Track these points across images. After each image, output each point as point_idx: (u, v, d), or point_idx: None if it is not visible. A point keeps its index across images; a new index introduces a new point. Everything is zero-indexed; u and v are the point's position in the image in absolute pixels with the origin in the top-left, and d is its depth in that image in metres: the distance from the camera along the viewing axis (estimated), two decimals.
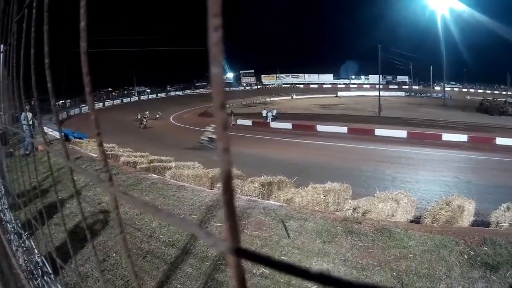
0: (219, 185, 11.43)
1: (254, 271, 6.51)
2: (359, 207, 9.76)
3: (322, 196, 10.50)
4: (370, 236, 7.85)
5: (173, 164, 15.84)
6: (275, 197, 10.71)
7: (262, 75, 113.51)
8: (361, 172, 20.23)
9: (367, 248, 7.54)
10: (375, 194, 10.87)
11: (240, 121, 45.31)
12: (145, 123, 44.00)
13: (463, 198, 10.93)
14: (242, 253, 0.51)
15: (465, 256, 7.22)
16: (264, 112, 47.62)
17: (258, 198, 10.80)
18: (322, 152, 27.39)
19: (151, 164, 15.46)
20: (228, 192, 0.51)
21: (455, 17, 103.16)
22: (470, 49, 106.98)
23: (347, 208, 9.88)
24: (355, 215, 9.42)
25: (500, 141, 36.11)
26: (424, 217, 10.00)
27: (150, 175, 13.08)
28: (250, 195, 11.14)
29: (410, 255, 7.20)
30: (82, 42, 0.86)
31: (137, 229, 8.39)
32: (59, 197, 8.75)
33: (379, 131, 36.76)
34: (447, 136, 35.74)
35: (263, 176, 12.42)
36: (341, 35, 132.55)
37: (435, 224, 9.45)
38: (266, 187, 11.61)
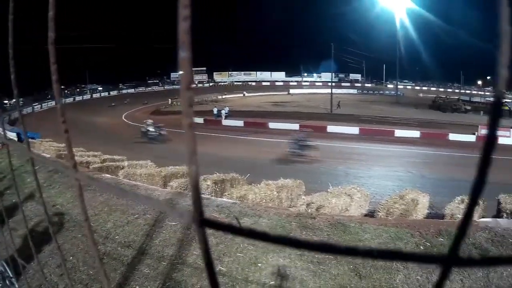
0: (172, 183, 11.43)
1: None
2: (312, 203, 9.94)
3: (275, 193, 10.63)
4: (325, 230, 8.00)
5: (126, 163, 15.70)
6: (228, 194, 10.75)
7: (214, 73, 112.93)
8: (314, 168, 20.62)
9: None
10: (328, 190, 11.12)
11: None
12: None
13: (416, 192, 11.35)
14: (205, 223, 0.56)
15: (421, 247, 7.47)
16: (215, 110, 47.49)
17: (211, 196, 10.84)
18: (274, 149, 27.53)
19: (104, 164, 15.33)
20: (193, 165, 0.56)
21: (408, 16, 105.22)
22: (423, 48, 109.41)
23: (300, 204, 10.05)
24: (309, 210, 9.59)
25: (452, 136, 37.80)
26: (378, 211, 10.24)
27: (103, 175, 12.91)
28: (203, 193, 11.11)
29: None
30: (51, 32, 0.89)
31: (92, 230, 8.30)
32: (13, 200, 8.55)
33: (331, 128, 37.44)
34: (399, 133, 36.83)
35: (216, 173, 12.47)
36: (294, 32, 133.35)
37: (389, 217, 9.73)
38: (219, 185, 11.71)
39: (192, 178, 0.57)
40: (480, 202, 11.10)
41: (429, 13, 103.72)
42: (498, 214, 11.37)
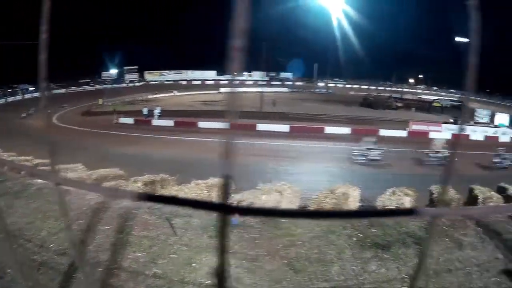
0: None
1: (147, 272, 6.61)
2: (243, 200, 10.15)
3: (205, 192, 10.78)
4: (256, 227, 8.20)
5: (57, 167, 15.27)
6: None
7: (145, 72, 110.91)
8: (244, 166, 20.61)
9: (254, 239, 7.91)
10: (258, 187, 11.25)
11: (123, 119, 44.13)
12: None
13: (347, 186, 11.77)
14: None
15: (354, 239, 7.79)
16: (144, 110, 46.77)
17: None
18: (204, 148, 27.63)
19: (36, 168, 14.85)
20: (227, 165, 0.65)
21: (341, 15, 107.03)
22: (355, 47, 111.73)
23: (231, 202, 10.14)
24: None
25: (383, 132, 39.46)
26: (309, 206, 10.51)
27: (35, 180, 12.60)
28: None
29: (298, 242, 7.61)
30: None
31: (27, 240, 8.10)
32: None
33: (262, 126, 37.89)
34: (330, 129, 37.91)
35: (146, 175, 12.48)
36: (225, 31, 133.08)
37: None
38: (150, 186, 11.73)
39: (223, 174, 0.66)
40: (411, 192, 11.73)
41: (361, 12, 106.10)
42: (431, 203, 12.05)
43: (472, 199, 13.06)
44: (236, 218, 7.84)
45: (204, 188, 10.91)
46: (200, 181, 11.55)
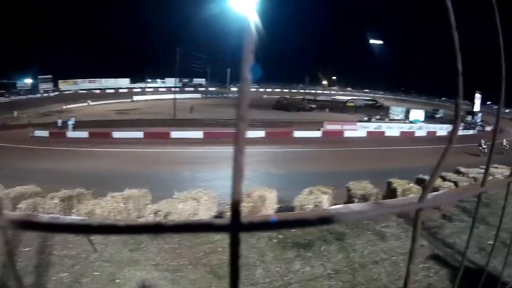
0: (20, 205, 10.83)
1: None
2: (160, 211, 10.04)
3: (122, 204, 10.58)
4: (175, 237, 8.03)
5: None
6: (76, 211, 10.39)
7: (59, 81, 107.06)
8: (160, 175, 20.51)
9: (174, 249, 7.80)
10: (174, 195, 11.12)
11: (38, 132, 42.04)
12: None
13: (263, 189, 11.88)
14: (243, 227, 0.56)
15: (275, 240, 7.79)
16: (59, 122, 45.12)
17: (60, 214, 10.40)
18: (119, 159, 27.10)
19: None
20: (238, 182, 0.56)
21: (254, 19, 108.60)
22: (268, 50, 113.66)
23: (148, 213, 10.06)
24: (157, 219, 9.57)
25: (297, 134, 40.45)
26: (227, 212, 10.41)
27: None
28: (52, 212, 10.77)
29: (219, 249, 7.55)
30: None
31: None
32: None
33: (175, 134, 37.34)
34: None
35: (62, 190, 11.97)
36: (138, 37, 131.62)
37: None
38: (67, 202, 11.28)
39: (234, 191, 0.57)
40: (330, 190, 11.94)
41: (276, 16, 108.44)
42: (349, 199, 12.34)
43: (390, 192, 13.48)
44: None
45: (120, 201, 10.69)
46: (116, 194, 11.30)
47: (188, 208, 10.38)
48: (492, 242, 8.36)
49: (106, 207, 10.39)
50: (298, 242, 7.71)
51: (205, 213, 10.93)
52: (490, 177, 13.13)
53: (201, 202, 10.97)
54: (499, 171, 18.34)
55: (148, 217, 9.78)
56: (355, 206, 10.86)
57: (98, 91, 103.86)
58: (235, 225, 0.51)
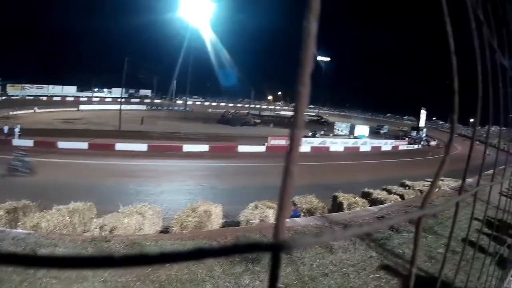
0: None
1: None
2: (105, 225, 9.85)
3: (67, 218, 10.33)
4: (122, 252, 7.87)
5: None
6: (22, 224, 10.07)
7: (8, 85, 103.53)
8: (105, 188, 20.09)
9: None
10: (120, 210, 10.98)
11: None
12: None
13: (208, 203, 11.88)
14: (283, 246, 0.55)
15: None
16: (5, 128, 43.49)
17: (6, 228, 10.05)
18: (64, 170, 26.32)
19: None
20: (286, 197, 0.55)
21: (201, 33, 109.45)
22: (214, 64, 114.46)
23: (94, 228, 9.88)
24: (103, 233, 9.45)
25: (241, 148, 40.71)
26: (173, 226, 10.44)
27: None
28: None
29: (167, 265, 7.40)
30: None
31: None
32: None
33: (120, 146, 36.58)
34: (188, 147, 37.93)
35: (8, 201, 11.54)
36: (86, 45, 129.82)
37: (184, 231, 10.03)
38: (12, 214, 10.91)
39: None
40: (275, 205, 12.04)
41: (221, 31, 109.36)
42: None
43: (337, 206, 13.70)
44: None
45: (66, 214, 10.41)
46: (61, 207, 10.98)
47: (133, 222, 10.24)
48: (441, 251, 8.67)
49: (52, 221, 10.06)
50: (246, 257, 7.71)
51: (150, 228, 10.83)
52: (437, 189, 13.60)
53: (146, 216, 10.84)
54: (445, 183, 18.98)
55: (94, 232, 9.59)
56: (301, 220, 10.97)
57: (45, 98, 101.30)
58: (276, 245, 0.51)
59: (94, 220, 10.49)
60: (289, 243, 0.50)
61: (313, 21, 0.42)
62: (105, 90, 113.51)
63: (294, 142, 0.48)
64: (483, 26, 1.05)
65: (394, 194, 15.63)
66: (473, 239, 8.42)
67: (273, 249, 0.50)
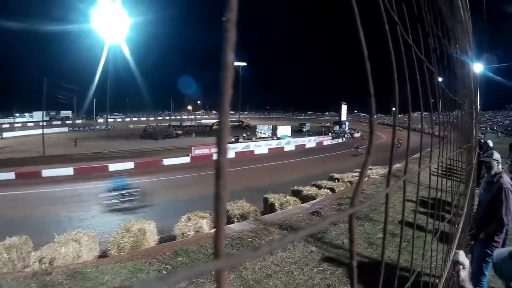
0: None
1: None
2: (44, 257, 9.56)
3: (5, 255, 9.90)
4: (65, 284, 7.73)
5: None
6: None
7: None
8: (37, 219, 19.45)
9: None
10: (55, 239, 10.68)
11: None
12: None
13: (141, 222, 11.76)
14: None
15: (164, 272, 7.70)
16: None
17: None
18: None
19: None
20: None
21: (118, 51, 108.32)
22: (132, 80, 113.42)
23: (33, 262, 9.57)
24: (43, 266, 9.17)
25: (167, 161, 40.85)
26: (110, 249, 10.26)
27: None
28: None
29: None
30: None
31: None
32: None
33: (46, 172, 35.09)
34: (113, 166, 37.24)
35: None
36: (5, 70, 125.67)
37: (122, 253, 9.92)
38: None
39: None
40: (207, 215, 12.10)
41: (137, 45, 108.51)
42: (229, 220, 12.51)
43: (269, 207, 13.86)
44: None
45: (3, 251, 9.93)
46: None
47: (71, 251, 9.95)
48: (380, 236, 8.98)
49: None
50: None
51: (88, 254, 10.54)
52: (366, 179, 13.98)
53: (83, 243, 10.56)
54: (374, 171, 19.61)
55: (34, 266, 9.30)
56: (235, 226, 11.04)
57: None
58: (219, 264, 0.54)
59: (32, 253, 10.15)
60: (231, 260, 0.53)
61: (230, 52, 0.46)
62: (26, 114, 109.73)
63: (220, 171, 0.51)
64: (398, 26, 1.15)
65: (324, 189, 16.01)
66: (410, 220, 8.84)
67: (217, 268, 0.53)
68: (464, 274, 2.86)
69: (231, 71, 0.44)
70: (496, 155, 6.32)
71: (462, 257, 2.91)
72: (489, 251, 5.91)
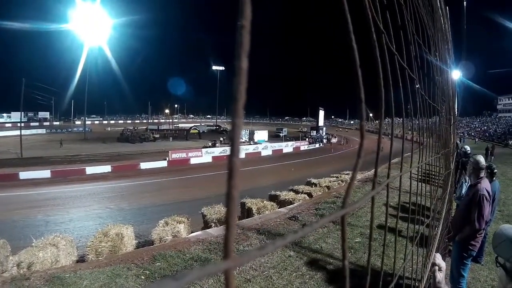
0: None
1: None
2: (22, 262, 9.41)
3: None
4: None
5: None
6: None
7: None
8: (14, 222, 19.19)
9: None
10: (33, 244, 10.56)
11: None
12: None
13: (119, 226, 11.62)
14: None
15: (143, 277, 7.69)
16: None
17: None
18: None
19: None
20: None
21: (97, 52, 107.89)
22: (110, 83, 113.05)
23: (11, 266, 9.43)
24: (21, 271, 9.05)
25: (144, 165, 40.73)
26: (88, 254, 10.15)
27: None
28: None
29: None
30: None
31: None
32: None
33: (24, 174, 34.71)
34: (91, 170, 37.02)
35: None
36: None
37: (100, 258, 9.81)
38: None
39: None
40: (185, 219, 12.08)
41: (117, 50, 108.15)
42: (206, 225, 12.50)
43: (247, 212, 13.87)
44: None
45: None
46: None
47: (49, 255, 9.82)
48: (359, 240, 9.04)
49: None
50: (166, 275, 7.65)
51: (66, 259, 10.41)
52: (343, 183, 14.09)
53: (60, 247, 10.42)
54: (349, 177, 19.75)
55: (12, 271, 9.18)
56: (213, 231, 11.03)
57: None
58: (228, 263, 0.54)
59: (10, 258, 10.05)
60: (239, 259, 0.54)
61: (244, 58, 0.47)
62: (4, 115, 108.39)
63: (232, 171, 0.52)
64: (383, 35, 1.18)
65: (301, 194, 16.08)
66: (389, 224, 8.90)
67: (226, 267, 0.54)
68: (441, 275, 2.91)
69: (245, 76, 0.45)
70: (480, 159, 6.44)
71: (439, 259, 2.96)
72: (465, 254, 6.01)
